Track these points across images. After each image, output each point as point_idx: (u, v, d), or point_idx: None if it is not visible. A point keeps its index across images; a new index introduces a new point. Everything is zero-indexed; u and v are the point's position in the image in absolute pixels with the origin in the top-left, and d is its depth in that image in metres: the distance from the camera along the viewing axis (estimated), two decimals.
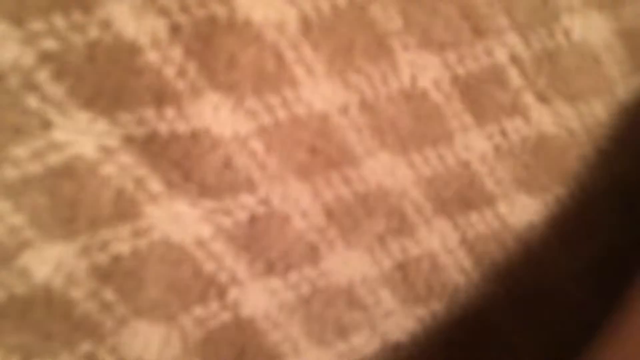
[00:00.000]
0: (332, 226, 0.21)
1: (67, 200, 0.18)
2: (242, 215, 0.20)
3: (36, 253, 0.17)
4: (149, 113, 0.18)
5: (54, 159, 0.17)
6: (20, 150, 0.17)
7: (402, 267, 0.23)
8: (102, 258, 0.18)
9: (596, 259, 0.25)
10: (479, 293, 0.24)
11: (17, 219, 0.17)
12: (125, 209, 0.18)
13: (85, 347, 0.18)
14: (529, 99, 0.23)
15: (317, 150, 0.21)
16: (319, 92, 0.21)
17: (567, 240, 0.25)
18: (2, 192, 0.17)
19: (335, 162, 0.21)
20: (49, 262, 0.17)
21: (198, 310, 0.20)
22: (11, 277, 0.17)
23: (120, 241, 0.18)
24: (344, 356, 0.22)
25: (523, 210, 0.24)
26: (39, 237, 0.17)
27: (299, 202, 0.21)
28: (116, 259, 0.18)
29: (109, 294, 0.18)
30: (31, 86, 0.17)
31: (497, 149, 0.23)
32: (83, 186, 0.18)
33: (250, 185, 0.20)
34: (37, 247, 0.17)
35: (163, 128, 0.19)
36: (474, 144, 0.23)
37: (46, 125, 0.17)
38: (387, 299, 0.22)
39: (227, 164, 0.20)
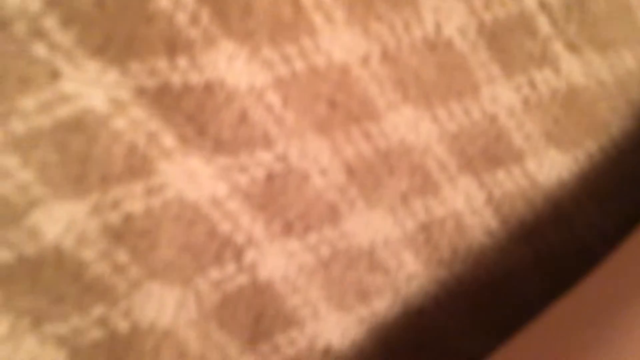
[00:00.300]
0: (353, 184, 0.22)
1: (77, 156, 0.18)
2: (259, 173, 0.20)
3: (46, 211, 0.17)
4: (161, 63, 0.19)
5: (63, 111, 0.17)
6: (27, 102, 0.17)
7: (425, 228, 0.23)
8: (114, 217, 0.18)
9: (627, 217, 0.26)
10: (505, 254, 0.24)
11: (26, 175, 0.17)
12: (137, 166, 0.18)
13: (98, 310, 0.18)
14: (558, 48, 0.24)
15: (336, 104, 0.21)
16: (339, 41, 0.21)
17: (597, 197, 0.25)
18: (9, 146, 0.17)
19: (355, 116, 0.21)
20: (59, 221, 0.18)
21: (214, 273, 0.20)
22: (20, 236, 0.17)
23: (133, 199, 0.19)
24: (364, 321, 0.23)
25: (552, 167, 0.24)
26: (48, 194, 0.18)
27: (317, 158, 0.21)
28: (129, 218, 0.19)
29: (121, 255, 0.19)
30: (38, 33, 0.17)
31: (525, 101, 0.23)
32: (93, 141, 0.18)
33: (266, 141, 0.20)
34: (47, 205, 0.17)
35: (176, 79, 0.19)
36: (501, 97, 0.23)
37: (54, 75, 0.17)
38: (409, 261, 0.23)
39: (243, 118, 0.20)
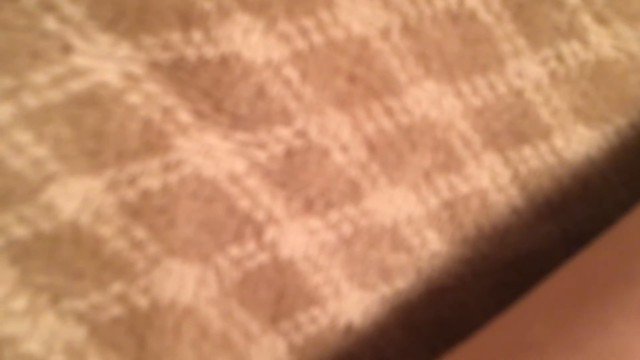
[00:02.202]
0: (374, 161, 0.20)
1: (92, 131, 0.16)
2: (278, 149, 0.19)
3: (61, 187, 0.16)
4: (175, 36, 0.17)
5: (76, 86, 0.16)
6: (39, 77, 0.16)
7: (449, 206, 0.21)
8: (130, 193, 0.17)
9: None
10: (531, 233, 0.22)
11: (40, 151, 0.16)
12: (153, 141, 0.17)
13: (117, 287, 0.17)
14: (586, 19, 0.21)
15: (356, 79, 0.19)
16: (358, 13, 0.19)
17: (626, 174, 0.23)
18: (22, 121, 0.16)
19: (376, 91, 0.20)
20: (75, 197, 0.16)
21: (234, 250, 0.18)
22: (36, 212, 0.16)
23: (150, 175, 0.17)
24: (387, 300, 0.21)
25: (580, 143, 0.22)
26: (63, 170, 0.16)
27: (338, 134, 0.19)
28: (145, 195, 0.17)
29: (139, 232, 0.17)
30: (48, 6, 0.16)
31: (552, 75, 0.21)
32: (108, 116, 0.17)
33: (285, 117, 0.19)
34: (62, 181, 0.16)
35: (190, 53, 0.17)
36: (527, 70, 0.21)
37: (66, 49, 0.16)
38: (433, 239, 0.21)
39: (260, 93, 0.18)
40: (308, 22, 0.18)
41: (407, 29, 0.19)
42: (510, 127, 0.21)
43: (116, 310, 0.17)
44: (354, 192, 0.20)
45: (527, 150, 0.22)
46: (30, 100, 0.16)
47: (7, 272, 0.16)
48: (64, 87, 0.16)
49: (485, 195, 0.21)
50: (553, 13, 0.21)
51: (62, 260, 0.16)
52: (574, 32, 0.21)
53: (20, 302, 0.16)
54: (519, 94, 0.21)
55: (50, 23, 0.16)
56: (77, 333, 0.17)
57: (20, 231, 0.16)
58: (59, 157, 0.16)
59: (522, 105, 0.21)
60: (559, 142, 0.22)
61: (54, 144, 0.16)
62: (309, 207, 0.19)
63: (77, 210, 0.16)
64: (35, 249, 0.16)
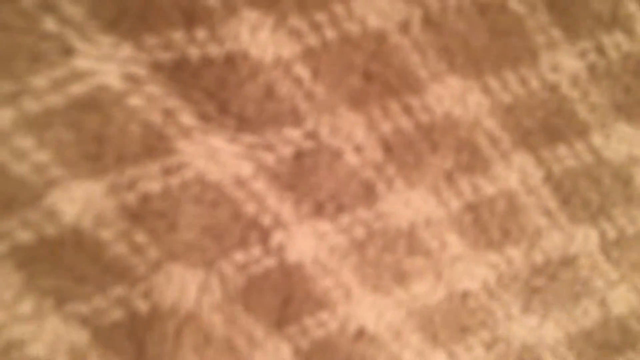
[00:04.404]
0: (391, 162, 0.20)
1: (93, 135, 0.17)
2: (287, 151, 0.19)
3: (63, 192, 0.17)
4: (178, 35, 0.17)
5: (77, 89, 0.17)
6: (40, 81, 0.16)
7: (473, 208, 0.21)
8: (131, 197, 0.18)
9: None
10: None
11: (42, 156, 0.17)
12: (154, 145, 0.18)
13: (118, 290, 0.18)
14: (632, 7, 0.20)
15: (372, 76, 0.19)
16: (374, 6, 0.19)
17: None
18: (24, 126, 0.16)
19: (393, 88, 0.19)
20: (77, 201, 0.17)
21: (239, 256, 0.19)
22: (40, 217, 0.17)
23: (150, 179, 0.18)
24: (402, 304, 0.21)
25: (621, 141, 0.21)
26: (65, 175, 0.17)
27: (351, 135, 0.19)
28: (145, 198, 0.18)
29: (140, 236, 0.18)
30: (47, 6, 0.16)
31: (591, 69, 0.20)
32: (109, 120, 0.17)
33: (295, 117, 0.19)
34: (64, 185, 0.17)
35: (193, 52, 0.18)
36: (563, 64, 0.20)
37: (67, 51, 0.17)
38: (454, 243, 0.21)
39: (269, 93, 0.18)
40: (321, 17, 0.18)
41: (428, 22, 0.19)
42: (544, 124, 0.21)
43: (117, 314, 0.18)
44: (368, 195, 0.20)
45: (562, 149, 0.21)
46: (31, 105, 0.16)
47: (12, 276, 0.17)
48: (64, 91, 0.17)
49: (513, 197, 0.21)
50: (594, 1, 0.20)
51: (65, 264, 0.17)
52: (617, 21, 0.20)
53: (26, 306, 0.17)
54: (553, 89, 0.20)
55: (50, 24, 0.16)
56: (80, 336, 0.18)
57: (24, 236, 0.17)
58: (60, 161, 0.17)
59: (556, 101, 0.21)
60: (597, 140, 0.21)
61: (56, 148, 0.17)
62: (318, 210, 0.20)
63: (79, 214, 0.17)
64: (40, 254, 0.17)
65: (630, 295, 0.23)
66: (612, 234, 0.22)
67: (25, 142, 0.17)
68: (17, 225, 0.17)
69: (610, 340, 0.24)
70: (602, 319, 0.23)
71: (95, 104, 0.17)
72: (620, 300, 0.23)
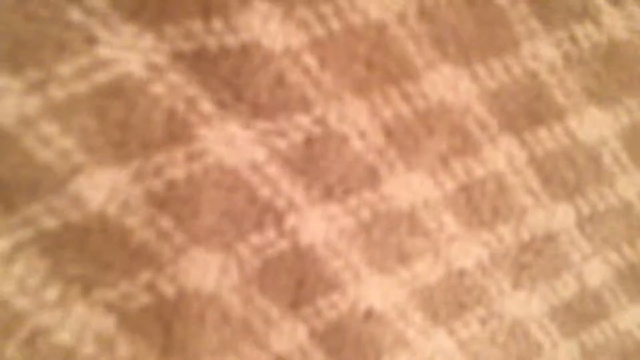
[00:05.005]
0: (392, 146, 0.21)
1: (117, 122, 0.18)
2: (297, 137, 0.20)
3: (88, 178, 0.17)
4: (196, 25, 0.18)
5: (101, 77, 0.17)
6: (65, 68, 0.17)
7: (466, 189, 0.23)
8: (156, 184, 0.18)
9: None
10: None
11: (67, 142, 0.17)
12: (177, 132, 0.18)
13: (145, 276, 0.18)
14: (599, 1, 0.23)
15: (373, 64, 0.21)
16: None
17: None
18: (49, 113, 0.17)
19: (393, 76, 0.21)
20: (102, 188, 0.18)
21: (255, 238, 0.20)
22: (65, 204, 0.17)
23: (175, 166, 0.18)
24: (406, 283, 0.22)
25: (593, 124, 0.24)
26: (90, 161, 0.17)
27: (356, 121, 0.21)
28: (171, 185, 0.18)
29: (165, 222, 0.18)
30: None
31: (566, 57, 0.23)
32: (133, 107, 0.18)
33: (304, 104, 0.20)
34: (89, 172, 0.17)
35: (211, 42, 0.18)
36: (541, 52, 0.22)
37: (90, 40, 0.17)
38: (450, 223, 0.23)
39: (280, 81, 0.20)
40: (326, 8, 0.20)
41: (423, 13, 0.21)
42: (526, 109, 0.23)
43: (145, 299, 0.18)
44: (372, 178, 0.21)
45: (542, 132, 0.23)
46: (57, 92, 0.17)
47: (38, 263, 0.17)
48: (89, 79, 0.17)
49: (501, 178, 0.23)
50: None
51: (92, 250, 0.18)
52: (587, 13, 0.23)
53: (52, 293, 0.17)
54: (534, 75, 0.22)
55: (75, 14, 0.17)
56: (107, 322, 0.18)
57: (49, 222, 0.17)
58: (85, 148, 0.17)
59: (536, 87, 0.23)
60: (572, 123, 0.23)
61: (81, 135, 0.17)
62: (328, 193, 0.21)
63: (104, 201, 0.18)
64: (65, 240, 0.17)
65: (603, 268, 0.26)
66: (585, 210, 0.25)
67: (51, 128, 0.17)
68: (43, 212, 0.17)
69: (587, 311, 0.26)
70: (579, 291, 0.25)
71: (119, 91, 0.18)
72: (595, 273, 0.25)
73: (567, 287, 0.25)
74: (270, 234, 0.20)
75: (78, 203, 0.17)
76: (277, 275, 0.20)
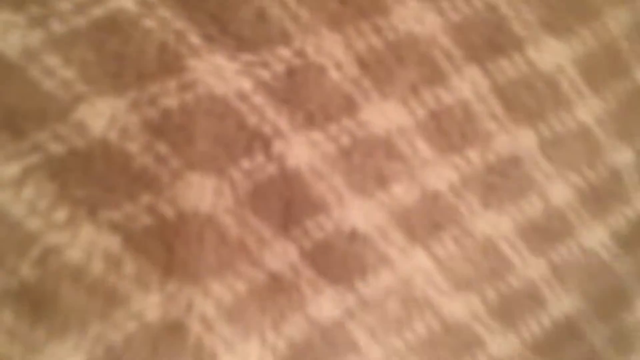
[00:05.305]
0: (366, 76, 0.23)
1: (113, 54, 0.19)
2: (280, 68, 0.22)
3: (90, 107, 0.19)
4: None
5: (98, 12, 0.19)
6: (64, 4, 0.18)
7: (436, 116, 0.25)
8: (152, 112, 0.20)
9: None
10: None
11: (68, 73, 0.19)
12: (169, 63, 0.20)
13: (146, 198, 0.20)
14: None
15: (347, 0, 0.22)
16: None
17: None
18: (51, 46, 0.18)
19: (365, 11, 0.23)
20: (103, 115, 0.19)
21: (245, 163, 0.22)
22: (69, 130, 0.19)
23: (168, 95, 0.20)
24: (385, 205, 0.24)
25: (551, 53, 0.26)
26: (90, 91, 0.19)
27: (332, 53, 0.22)
28: (166, 113, 0.20)
29: (162, 148, 0.20)
30: None
31: None
32: (127, 40, 0.19)
33: (285, 37, 0.22)
34: (90, 101, 0.19)
35: None
36: None
37: None
38: (423, 148, 0.25)
39: (261, 15, 0.21)
40: None
41: None
42: (487, 40, 0.25)
43: (146, 220, 0.20)
44: (350, 106, 0.23)
45: (503, 62, 0.25)
46: (58, 27, 0.18)
47: (47, 186, 0.19)
48: (87, 14, 0.19)
49: (467, 105, 0.25)
50: None
51: (96, 174, 0.19)
52: None
53: (61, 214, 0.19)
54: (493, 8, 0.24)
55: None
56: (114, 242, 0.20)
57: (56, 148, 0.19)
58: (85, 79, 0.19)
59: (497, 19, 0.25)
60: (531, 52, 0.26)
61: (81, 66, 0.19)
62: (310, 120, 0.22)
63: (105, 128, 0.19)
64: (71, 165, 0.19)
65: (565, 189, 0.28)
66: (546, 134, 0.27)
67: (53, 60, 0.18)
68: (49, 138, 0.19)
69: (553, 229, 0.28)
70: (544, 210, 0.28)
71: (114, 25, 0.19)
72: (558, 193, 0.28)
73: (532, 207, 0.27)
74: (259, 158, 0.22)
75: (81, 130, 0.19)
76: (268, 197, 0.22)
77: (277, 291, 0.23)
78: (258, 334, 0.23)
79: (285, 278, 0.23)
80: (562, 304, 0.29)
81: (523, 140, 0.26)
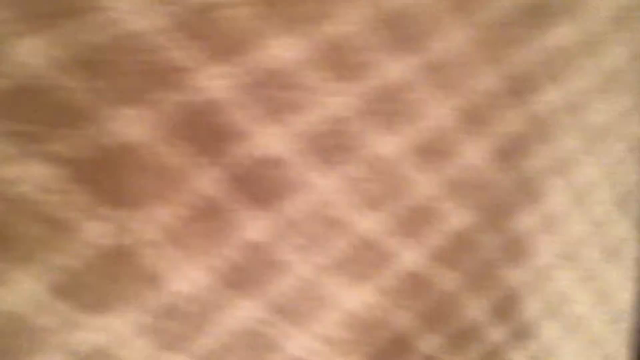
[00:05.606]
0: (270, 14, 0.26)
1: None
2: (193, 5, 0.24)
3: (28, 44, 0.20)
4: None
5: None
6: None
7: (335, 48, 0.28)
8: (84, 49, 0.21)
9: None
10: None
11: (6, 13, 0.20)
12: (89, 3, 0.22)
13: (90, 131, 0.22)
14: None
15: None
16: None
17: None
18: None
19: None
20: (40, 54, 0.21)
21: (175, 96, 0.24)
22: (14, 68, 0.20)
23: (95, 32, 0.22)
24: (302, 132, 0.27)
25: None
26: (26, 30, 0.20)
27: None
28: (96, 50, 0.22)
29: (99, 83, 0.22)
30: None
31: None
32: None
33: None
34: (27, 38, 0.20)
35: None
36: None
37: None
38: (318, 78, 0.28)
39: None
40: None
41: None
42: None
43: (92, 152, 0.22)
44: (255, 41, 0.26)
45: None
46: None
47: None
48: None
49: (351, 38, 0.29)
50: None
51: (43, 110, 0.21)
52: None
53: (12, 149, 0.20)
54: None
55: None
56: (63, 174, 0.21)
57: (4, 83, 0.20)
58: (21, 18, 0.20)
59: None
60: None
61: (17, 7, 0.20)
62: (217, 56, 0.25)
63: (45, 65, 0.21)
64: (19, 101, 0.20)
65: (447, 110, 0.32)
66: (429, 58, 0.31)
67: None
68: None
69: (441, 148, 0.32)
70: (434, 130, 0.32)
71: None
72: (441, 114, 0.32)
73: (425, 128, 0.31)
74: (180, 89, 0.24)
75: (24, 67, 0.20)
76: (193, 126, 0.24)
77: (214, 215, 0.25)
78: (202, 256, 0.25)
79: (220, 203, 0.25)
80: (459, 217, 0.34)
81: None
